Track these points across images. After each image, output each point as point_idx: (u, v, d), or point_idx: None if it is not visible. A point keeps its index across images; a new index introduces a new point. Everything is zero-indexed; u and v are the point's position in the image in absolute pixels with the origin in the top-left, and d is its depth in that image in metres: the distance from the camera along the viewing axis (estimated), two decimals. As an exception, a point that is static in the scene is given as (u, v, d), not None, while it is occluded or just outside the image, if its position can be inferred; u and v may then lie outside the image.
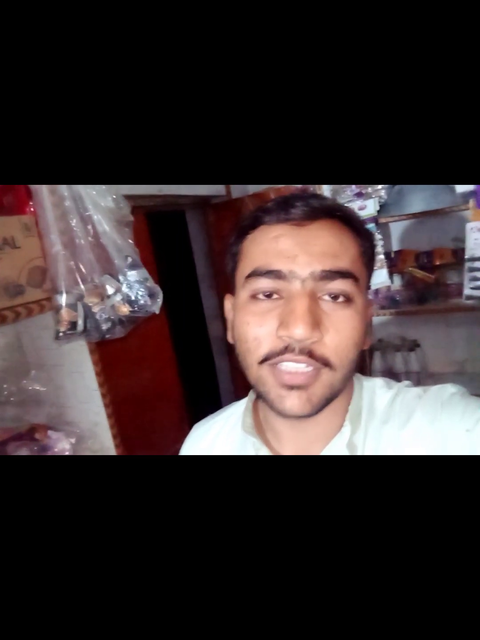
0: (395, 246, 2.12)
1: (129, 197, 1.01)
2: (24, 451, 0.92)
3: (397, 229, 2.09)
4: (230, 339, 0.49)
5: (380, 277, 1.89)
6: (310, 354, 0.40)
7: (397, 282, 2.02)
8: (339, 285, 0.42)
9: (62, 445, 0.98)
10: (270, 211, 0.44)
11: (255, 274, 0.43)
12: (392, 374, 2.00)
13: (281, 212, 0.44)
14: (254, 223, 0.46)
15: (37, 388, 0.96)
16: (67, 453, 0.98)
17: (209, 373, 2.48)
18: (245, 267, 0.45)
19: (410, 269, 1.99)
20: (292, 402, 0.41)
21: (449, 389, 0.47)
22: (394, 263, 2.02)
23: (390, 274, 1.92)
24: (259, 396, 0.46)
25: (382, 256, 1.86)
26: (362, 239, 0.46)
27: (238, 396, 0.59)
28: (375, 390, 0.51)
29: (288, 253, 0.42)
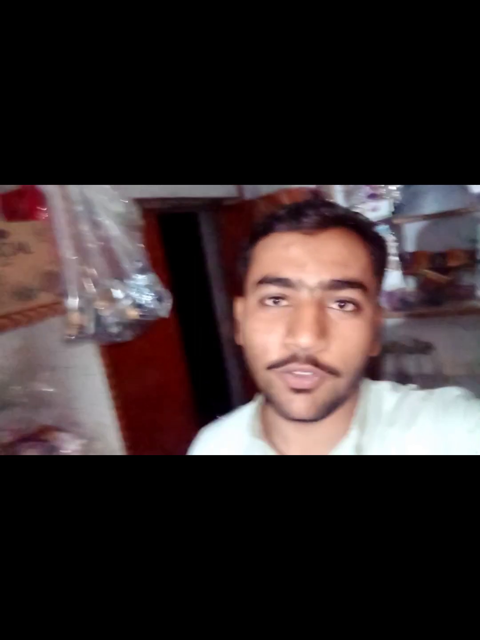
0: (408, 247, 2.09)
1: (141, 200, 1.02)
2: (33, 451, 0.94)
3: (410, 230, 2.07)
4: (238, 341, 0.50)
5: (394, 279, 1.88)
6: (316, 363, 0.41)
7: (411, 283, 2.00)
8: (348, 294, 0.42)
9: (71, 446, 0.99)
10: (282, 219, 0.45)
11: (264, 280, 0.44)
12: (404, 377, 1.98)
13: (293, 220, 0.44)
14: (266, 230, 0.46)
15: (48, 390, 0.98)
16: (76, 454, 1.00)
17: (219, 375, 2.49)
18: (255, 273, 0.46)
19: (423, 270, 1.96)
20: (299, 405, 0.42)
21: (454, 391, 0.47)
22: (408, 264, 2.00)
23: (404, 275, 1.90)
24: (267, 399, 0.47)
25: (395, 258, 1.84)
26: (374, 248, 0.46)
27: (249, 398, 0.59)
28: (382, 394, 0.51)
29: (297, 261, 0.42)
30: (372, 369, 0.47)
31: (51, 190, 0.90)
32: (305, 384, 0.41)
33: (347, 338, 0.42)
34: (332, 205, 0.46)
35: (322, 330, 0.41)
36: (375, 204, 1.87)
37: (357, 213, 0.47)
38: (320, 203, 0.45)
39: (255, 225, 0.48)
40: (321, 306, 0.42)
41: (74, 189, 0.91)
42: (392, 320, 2.09)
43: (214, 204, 2.19)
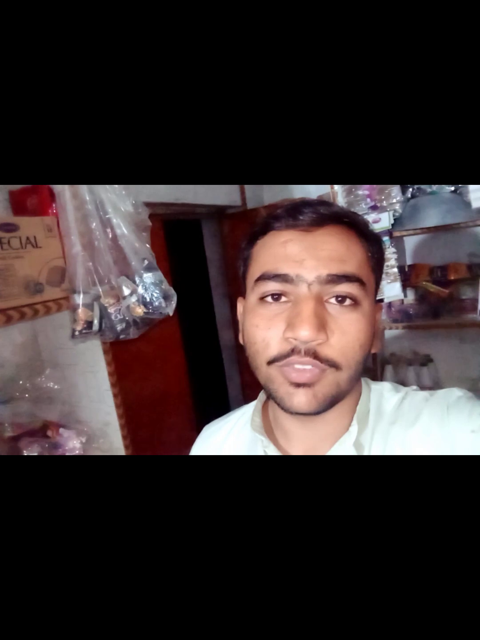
0: (409, 260, 2.12)
1: (146, 205, 1.03)
2: (35, 448, 0.94)
3: (411, 242, 2.09)
4: (241, 341, 0.51)
5: (394, 291, 1.89)
6: (315, 356, 0.42)
7: (411, 296, 2.01)
8: (345, 288, 0.43)
9: (73, 444, 0.99)
10: (280, 217, 0.46)
11: (263, 277, 0.45)
12: (403, 388, 1.98)
13: (290, 218, 0.45)
14: (264, 229, 0.47)
15: (51, 386, 0.98)
16: (77, 452, 0.99)
17: (218, 380, 2.49)
18: (255, 270, 0.47)
19: (424, 283, 1.98)
20: (299, 399, 0.43)
21: (456, 392, 0.48)
22: (408, 277, 2.01)
23: (404, 287, 1.92)
24: (269, 395, 0.47)
25: (395, 269, 1.86)
26: (370, 244, 0.47)
27: (246, 404, 0.60)
28: (383, 393, 0.52)
29: (295, 257, 0.43)
30: (372, 375, 0.48)
31: (61, 188, 0.91)
32: (305, 377, 0.42)
33: (346, 332, 0.43)
34: (328, 204, 0.47)
35: (321, 323, 0.41)
36: (376, 215, 1.89)
37: (353, 211, 0.48)
38: (316, 202, 0.47)
39: (254, 226, 0.49)
40: (320, 301, 0.43)
41: (83, 188, 0.93)
42: (392, 332, 2.10)
43: (218, 212, 2.22)
